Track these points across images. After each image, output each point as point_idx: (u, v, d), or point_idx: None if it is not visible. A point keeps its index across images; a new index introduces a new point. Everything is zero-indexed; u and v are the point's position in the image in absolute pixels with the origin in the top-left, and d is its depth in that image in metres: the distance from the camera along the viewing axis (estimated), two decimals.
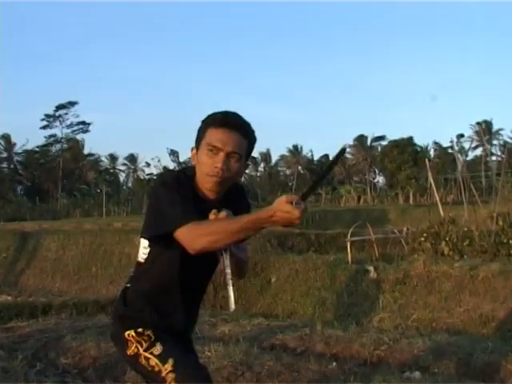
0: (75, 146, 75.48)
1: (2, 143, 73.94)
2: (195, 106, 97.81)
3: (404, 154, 53.62)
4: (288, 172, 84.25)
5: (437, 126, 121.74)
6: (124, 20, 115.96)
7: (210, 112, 2.70)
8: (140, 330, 2.76)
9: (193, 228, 2.49)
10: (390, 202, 47.24)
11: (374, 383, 4.93)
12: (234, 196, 2.77)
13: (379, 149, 72.25)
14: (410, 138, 55.61)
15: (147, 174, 73.26)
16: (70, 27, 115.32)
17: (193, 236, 2.50)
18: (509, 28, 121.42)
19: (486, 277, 9.23)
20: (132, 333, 2.77)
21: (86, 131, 74.35)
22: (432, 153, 72.57)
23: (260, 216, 2.38)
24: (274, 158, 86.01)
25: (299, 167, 79.22)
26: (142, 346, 2.74)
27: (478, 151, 75.77)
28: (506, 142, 75.51)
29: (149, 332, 2.76)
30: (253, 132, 2.72)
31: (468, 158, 73.66)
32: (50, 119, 72.11)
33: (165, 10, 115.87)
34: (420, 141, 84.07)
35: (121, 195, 61.12)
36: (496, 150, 78.36)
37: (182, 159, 71.00)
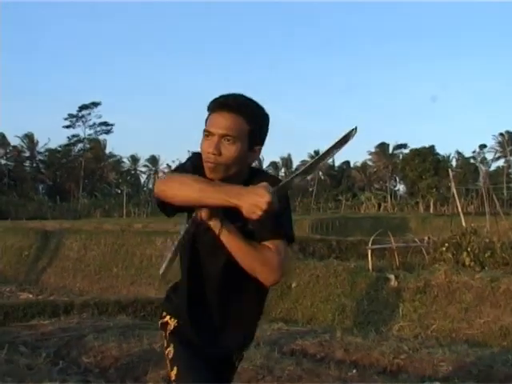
0: (97, 147, 75.97)
1: (26, 142, 74.48)
2: None
3: (425, 163, 53.36)
4: (308, 177, 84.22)
5: (459, 135, 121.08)
6: (147, 23, 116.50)
7: None
8: (162, 321, 2.71)
9: (166, 176, 2.45)
10: (410, 211, 47.08)
11: None
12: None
13: (401, 157, 71.97)
14: (432, 147, 55.40)
15: None
16: (96, 29, 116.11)
17: (158, 182, 2.46)
18: None
19: (507, 289, 9.17)
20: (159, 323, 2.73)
21: (109, 132, 74.96)
22: (454, 162, 72.15)
23: (230, 186, 2.27)
24: (295, 163, 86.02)
25: (320, 173, 79.07)
26: (165, 342, 2.70)
27: (501, 162, 75.37)
28: None
29: (167, 330, 2.67)
30: (257, 112, 2.51)
31: (490, 169, 73.45)
32: (73, 119, 72.79)
33: (189, 12, 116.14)
34: (442, 150, 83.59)
35: (141, 196, 61.42)
36: None
37: None
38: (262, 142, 2.54)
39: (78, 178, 70.95)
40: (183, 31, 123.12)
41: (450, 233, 12.70)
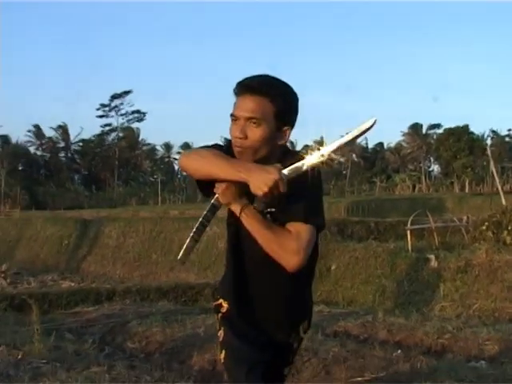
0: (131, 135, 76.39)
1: (60, 133, 75.22)
2: None
3: (460, 142, 52.71)
4: (342, 160, 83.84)
5: (494, 114, 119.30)
6: (174, 9, 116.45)
7: None
8: (216, 303, 2.72)
9: (191, 150, 2.49)
10: (445, 191, 46.63)
11: (441, 371, 4.91)
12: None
13: (434, 137, 71.20)
14: (466, 126, 54.70)
15: None
16: (126, 19, 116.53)
17: (182, 154, 2.52)
18: None
19: None
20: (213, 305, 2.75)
21: (141, 120, 75.29)
22: (489, 141, 71.23)
23: (244, 163, 2.33)
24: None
25: (353, 155, 78.65)
26: (217, 325, 2.72)
27: None
28: None
29: (220, 313, 2.68)
30: (282, 92, 2.44)
31: None
32: (106, 108, 73.23)
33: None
34: (476, 129, 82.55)
35: (175, 183, 61.78)
36: None
37: None
38: (291, 123, 2.49)
39: (113, 166, 71.46)
40: (214, 14, 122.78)
41: (489, 211, 12.57)
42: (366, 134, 2.28)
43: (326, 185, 47.18)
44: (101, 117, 73.63)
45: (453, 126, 55.42)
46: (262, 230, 2.37)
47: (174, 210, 24.59)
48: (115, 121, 74.33)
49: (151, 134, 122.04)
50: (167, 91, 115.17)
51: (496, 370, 5.16)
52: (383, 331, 6.70)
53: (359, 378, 4.86)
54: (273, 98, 2.39)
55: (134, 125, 76.24)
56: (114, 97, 72.70)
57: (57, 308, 8.95)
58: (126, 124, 75.37)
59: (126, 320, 7.61)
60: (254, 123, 2.38)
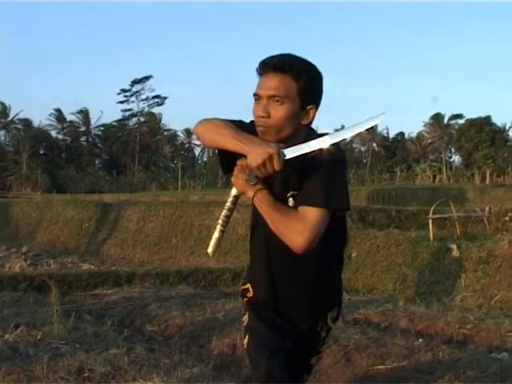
0: (152, 120, 76.55)
1: (81, 117, 75.52)
2: None
3: (481, 133, 52.48)
4: (363, 149, 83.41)
5: None
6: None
7: None
8: (243, 287, 2.71)
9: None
10: (465, 182, 46.34)
11: (463, 362, 4.85)
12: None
13: (456, 127, 70.71)
14: (488, 117, 54.30)
15: None
16: (148, 8, 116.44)
17: (198, 122, 2.49)
18: None
19: None
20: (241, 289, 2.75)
21: (162, 104, 75.38)
22: (510, 133, 70.64)
23: (249, 136, 2.33)
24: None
25: (374, 144, 78.29)
26: (243, 309, 2.72)
27: None
28: None
29: (245, 297, 2.68)
30: (305, 70, 2.38)
31: None
32: (127, 93, 73.39)
33: None
34: (498, 120, 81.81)
35: (196, 169, 61.91)
36: None
37: None
38: (315, 102, 2.44)
39: (134, 151, 71.73)
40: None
41: (511, 203, 12.46)
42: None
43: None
44: (122, 102, 73.88)
45: (475, 116, 55.07)
46: (271, 213, 2.35)
47: (195, 196, 24.58)
48: (136, 106, 74.57)
49: (173, 119, 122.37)
50: (190, 77, 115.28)
51: None
52: (404, 320, 6.65)
53: (381, 366, 4.81)
54: (296, 76, 2.35)
55: (156, 110, 76.49)
56: (135, 82, 72.90)
57: (76, 290, 8.97)
58: (146, 109, 75.59)
59: (145, 303, 7.63)
60: (277, 101, 2.34)
